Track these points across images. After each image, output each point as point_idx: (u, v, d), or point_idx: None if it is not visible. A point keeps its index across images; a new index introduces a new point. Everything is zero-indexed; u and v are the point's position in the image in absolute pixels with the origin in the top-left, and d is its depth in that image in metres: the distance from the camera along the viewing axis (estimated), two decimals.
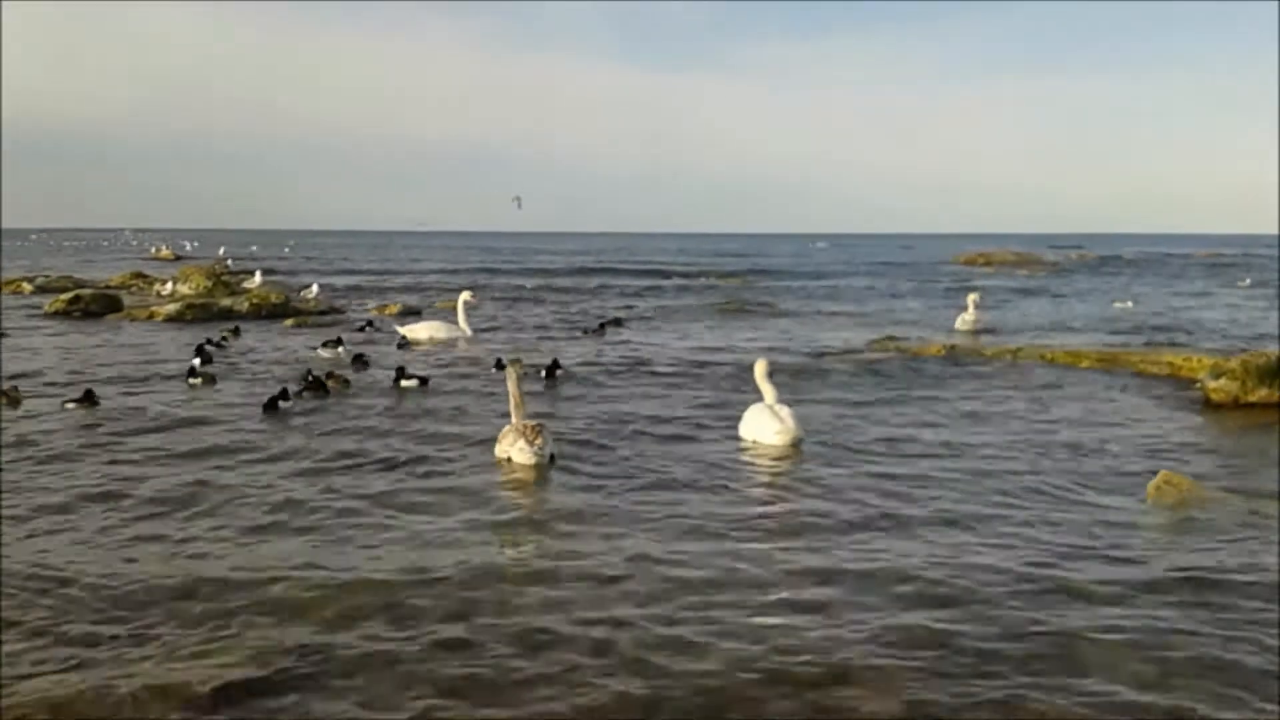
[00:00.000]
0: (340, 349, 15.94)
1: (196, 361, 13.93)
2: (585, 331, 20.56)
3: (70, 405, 10.95)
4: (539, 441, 8.60)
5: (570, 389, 13.00)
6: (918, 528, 6.98)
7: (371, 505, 7.44)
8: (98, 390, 11.55)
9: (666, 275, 45.30)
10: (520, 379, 9.37)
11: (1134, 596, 5.66)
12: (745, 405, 10.30)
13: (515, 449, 8.64)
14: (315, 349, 16.20)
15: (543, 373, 13.63)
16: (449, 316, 20.24)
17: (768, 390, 10.05)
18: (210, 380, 12.95)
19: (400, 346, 17.69)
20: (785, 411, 9.73)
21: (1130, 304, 28.52)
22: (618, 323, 22.06)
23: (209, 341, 16.46)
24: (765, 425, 9.62)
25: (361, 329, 19.98)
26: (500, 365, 9.74)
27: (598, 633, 5.12)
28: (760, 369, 10.24)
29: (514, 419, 8.99)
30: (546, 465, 8.61)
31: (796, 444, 9.50)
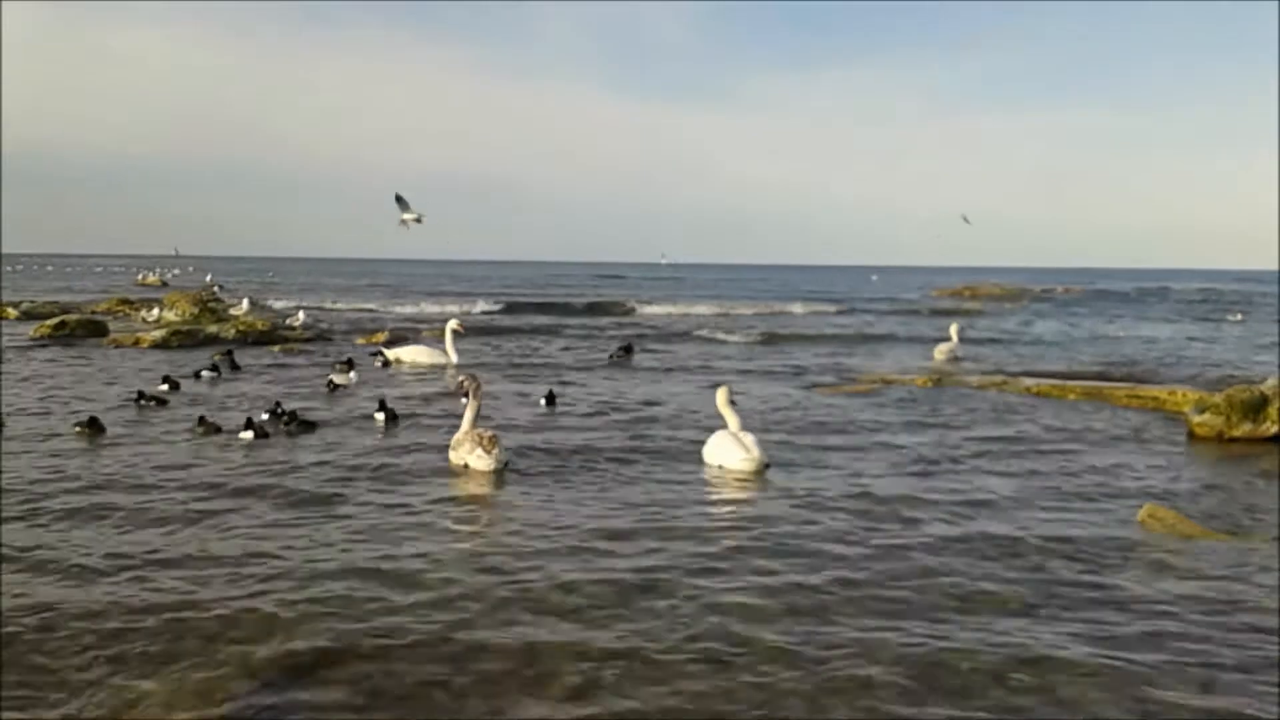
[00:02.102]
0: (351, 373, 16.23)
1: (164, 387, 14.33)
2: (611, 357, 21.25)
3: (77, 429, 11.10)
4: (495, 450, 9.56)
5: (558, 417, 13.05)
6: (870, 551, 7.00)
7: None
8: (70, 414, 11.52)
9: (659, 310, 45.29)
10: (479, 394, 10.32)
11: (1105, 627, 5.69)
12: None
13: (473, 456, 9.57)
14: (328, 374, 16.41)
15: (542, 401, 14.07)
16: (436, 343, 20.28)
17: (730, 417, 10.21)
18: (162, 403, 13.20)
19: (384, 365, 18.56)
20: (750, 439, 9.91)
21: (1122, 334, 28.74)
22: (629, 350, 22.19)
23: (212, 366, 16.97)
24: (731, 452, 9.78)
25: (375, 355, 20.06)
26: (465, 393, 10.44)
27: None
28: (721, 396, 10.43)
29: (465, 427, 9.93)
30: (503, 470, 9.55)
31: (762, 470, 9.68)
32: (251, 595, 6.00)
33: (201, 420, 11.56)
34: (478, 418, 10.20)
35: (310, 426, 11.86)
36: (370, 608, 5.82)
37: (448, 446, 10.13)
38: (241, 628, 5.50)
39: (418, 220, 20.60)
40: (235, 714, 4.57)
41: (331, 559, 6.74)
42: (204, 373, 16.61)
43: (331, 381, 15.40)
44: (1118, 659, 5.25)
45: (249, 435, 11.01)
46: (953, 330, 22.37)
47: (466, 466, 9.62)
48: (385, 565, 6.60)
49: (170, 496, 8.42)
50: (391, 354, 19.25)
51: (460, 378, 10.82)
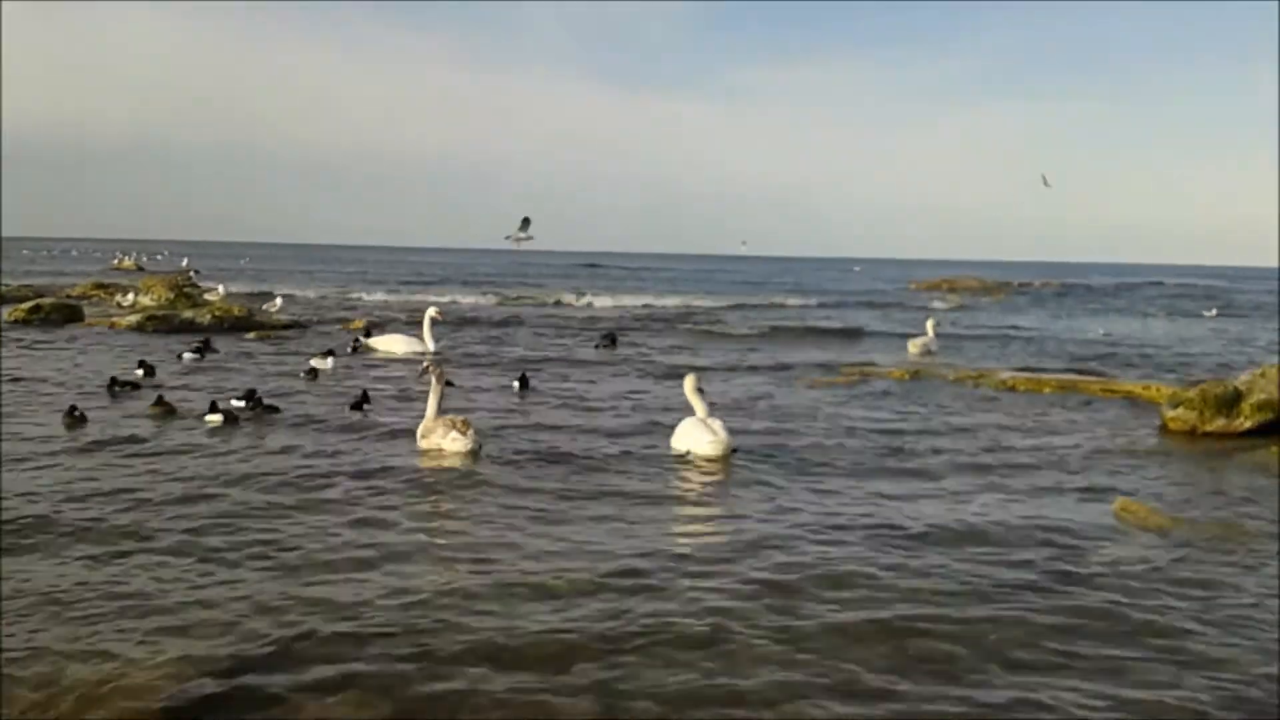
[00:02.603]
0: (330, 360, 16.23)
1: (139, 372, 14.35)
2: (596, 347, 21.49)
3: (65, 421, 10.83)
4: (470, 433, 9.82)
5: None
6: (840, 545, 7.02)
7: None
8: (40, 398, 11.46)
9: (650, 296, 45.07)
10: (442, 380, 10.48)
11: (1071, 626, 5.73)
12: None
13: (448, 439, 9.79)
14: (307, 360, 16.31)
15: (515, 384, 14.57)
16: (413, 332, 20.22)
17: (698, 404, 10.37)
18: (135, 388, 13.23)
19: (352, 351, 18.81)
20: (717, 424, 10.11)
21: (1100, 329, 28.85)
22: (613, 340, 22.27)
23: (195, 349, 17.18)
24: (699, 437, 9.96)
25: (357, 339, 20.23)
26: (425, 370, 10.77)
27: None
28: (689, 384, 10.56)
29: (431, 413, 10.12)
30: (477, 453, 9.74)
31: (729, 454, 9.88)
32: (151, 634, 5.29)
33: (159, 400, 11.57)
34: (441, 403, 10.38)
35: (274, 410, 11.77)
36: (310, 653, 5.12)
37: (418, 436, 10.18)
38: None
39: (529, 239, 21.96)
40: None
41: (268, 593, 5.94)
42: (186, 355, 16.68)
43: (312, 368, 15.39)
44: (1088, 650, 5.31)
45: (217, 419, 10.93)
46: (929, 325, 22.46)
47: (440, 449, 9.81)
48: (333, 597, 5.90)
49: (108, 505, 7.74)
50: (370, 341, 19.34)
51: (425, 363, 10.95)
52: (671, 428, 10.60)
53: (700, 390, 10.52)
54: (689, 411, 10.52)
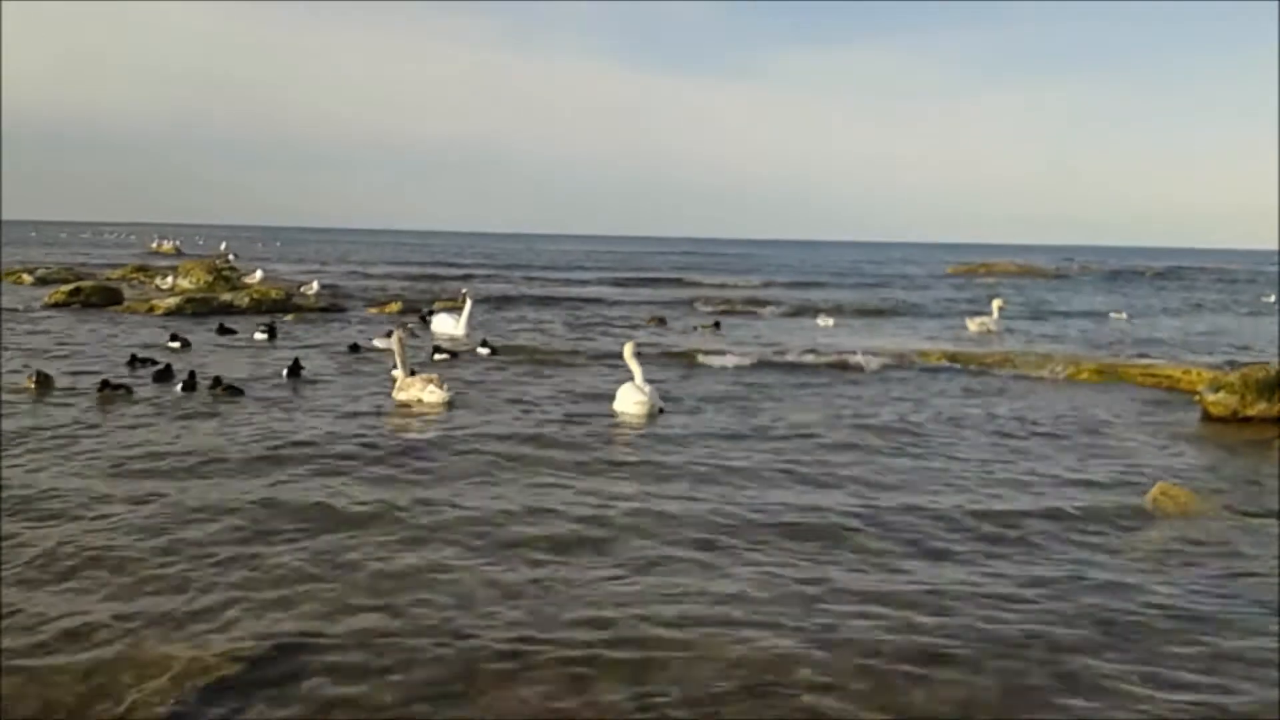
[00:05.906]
0: (391, 338, 16.94)
1: (174, 344, 15.63)
2: (660, 321, 22.98)
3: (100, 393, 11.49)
4: (444, 387, 11.48)
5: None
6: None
7: None
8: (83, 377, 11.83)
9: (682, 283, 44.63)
10: (405, 342, 12.28)
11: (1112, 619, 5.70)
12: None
13: (426, 392, 11.38)
14: (372, 340, 16.90)
15: (483, 351, 16.13)
16: (450, 315, 20.32)
17: (635, 368, 11.66)
18: (154, 364, 13.68)
19: (416, 323, 20.36)
20: (648, 388, 11.46)
21: (1125, 316, 27.91)
22: (662, 321, 22.96)
23: (263, 328, 18.03)
24: (630, 399, 11.37)
25: (422, 318, 21.60)
26: (399, 332, 12.68)
27: None
28: (628, 350, 11.99)
29: (402, 371, 11.80)
30: (451, 404, 11.36)
31: (655, 414, 11.19)
32: None
33: (166, 368, 12.58)
34: (407, 360, 12.02)
35: (238, 392, 11.85)
36: None
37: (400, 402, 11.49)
38: None
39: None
40: None
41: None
42: (257, 335, 17.65)
43: (374, 344, 16.28)
44: (1123, 636, 5.29)
45: (177, 387, 11.79)
46: (995, 305, 22.15)
47: (420, 401, 11.32)
48: None
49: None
50: (432, 321, 20.25)
51: (396, 326, 12.47)
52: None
53: (639, 355, 11.84)
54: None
